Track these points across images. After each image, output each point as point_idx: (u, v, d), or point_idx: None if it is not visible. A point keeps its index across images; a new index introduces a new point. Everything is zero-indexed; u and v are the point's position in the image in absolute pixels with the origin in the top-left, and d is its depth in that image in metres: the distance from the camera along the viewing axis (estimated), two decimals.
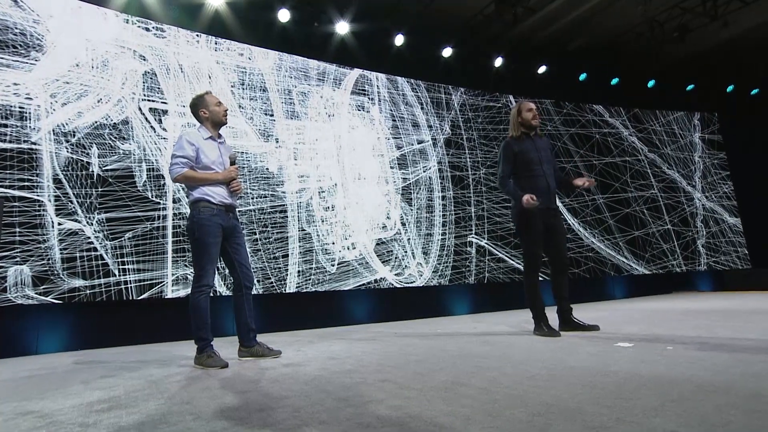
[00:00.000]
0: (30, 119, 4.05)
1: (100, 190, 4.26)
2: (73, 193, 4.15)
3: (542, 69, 7.23)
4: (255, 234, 4.98)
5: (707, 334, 2.85)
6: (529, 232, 3.34)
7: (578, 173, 3.39)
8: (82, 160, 4.23)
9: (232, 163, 2.84)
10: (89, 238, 4.15)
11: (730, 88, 8.49)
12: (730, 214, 8.23)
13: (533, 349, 2.62)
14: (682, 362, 2.01)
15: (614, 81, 7.83)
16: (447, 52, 6.51)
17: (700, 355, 2.18)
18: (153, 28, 4.80)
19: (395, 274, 5.73)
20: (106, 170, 4.32)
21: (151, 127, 4.61)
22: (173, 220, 4.56)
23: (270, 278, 4.96)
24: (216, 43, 5.17)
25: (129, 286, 4.25)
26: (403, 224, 5.97)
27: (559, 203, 3.62)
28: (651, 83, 8.05)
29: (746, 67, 8.08)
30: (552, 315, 3.33)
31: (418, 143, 6.34)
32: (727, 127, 8.54)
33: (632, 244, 7.55)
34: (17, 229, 3.87)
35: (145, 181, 4.49)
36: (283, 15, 5.38)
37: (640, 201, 7.81)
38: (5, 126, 3.94)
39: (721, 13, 6.44)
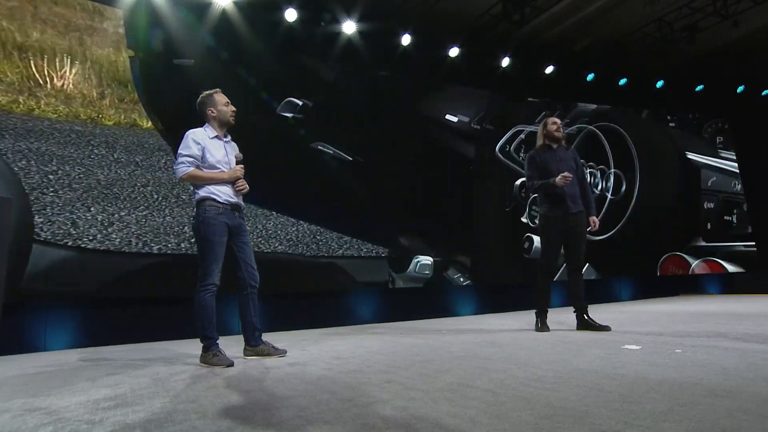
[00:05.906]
0: None
1: None
2: None
3: (549, 69, 7.18)
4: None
5: (716, 337, 2.82)
6: (547, 238, 3.65)
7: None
8: None
9: (238, 162, 2.84)
10: None
11: (740, 89, 8.39)
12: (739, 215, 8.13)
13: (540, 351, 2.60)
14: (692, 365, 1.99)
15: (622, 81, 7.76)
16: (453, 51, 6.47)
17: (710, 358, 2.15)
18: None
19: (402, 274, 5.72)
20: None
21: None
22: None
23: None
24: None
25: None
26: None
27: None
28: (660, 83, 7.98)
29: (757, 68, 7.97)
30: (566, 316, 3.35)
31: None
32: (738, 128, 8.43)
33: (639, 245, 7.47)
34: None
35: None
36: (290, 14, 5.35)
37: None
38: None
39: (731, 13, 6.36)
